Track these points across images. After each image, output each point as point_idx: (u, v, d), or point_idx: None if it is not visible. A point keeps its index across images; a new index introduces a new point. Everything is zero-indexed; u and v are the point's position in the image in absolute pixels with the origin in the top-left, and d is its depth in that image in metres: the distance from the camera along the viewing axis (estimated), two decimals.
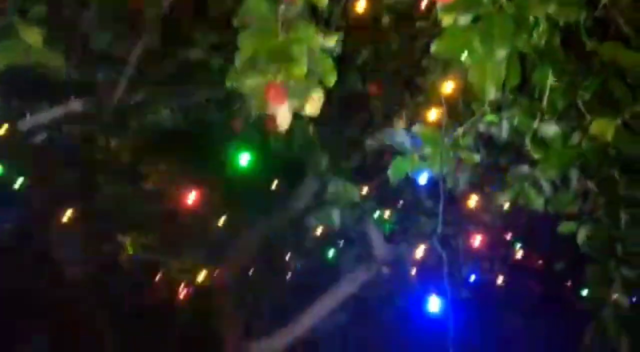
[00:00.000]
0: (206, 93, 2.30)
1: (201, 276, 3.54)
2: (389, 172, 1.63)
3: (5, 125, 2.47)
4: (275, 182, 3.90)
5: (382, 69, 2.25)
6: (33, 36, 1.28)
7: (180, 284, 3.68)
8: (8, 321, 3.15)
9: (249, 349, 3.93)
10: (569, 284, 4.26)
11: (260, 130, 2.31)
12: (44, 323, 3.35)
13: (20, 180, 2.97)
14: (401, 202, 3.96)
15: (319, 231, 4.47)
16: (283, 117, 1.25)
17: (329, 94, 3.07)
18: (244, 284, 4.15)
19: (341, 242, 4.41)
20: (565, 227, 1.43)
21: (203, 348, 3.94)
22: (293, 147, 2.48)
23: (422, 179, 1.72)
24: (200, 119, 2.38)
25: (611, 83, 1.22)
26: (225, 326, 3.91)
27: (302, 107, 1.23)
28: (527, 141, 1.32)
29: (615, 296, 1.18)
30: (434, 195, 3.39)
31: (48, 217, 3.03)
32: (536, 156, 1.33)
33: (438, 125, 1.53)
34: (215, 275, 3.72)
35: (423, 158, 1.57)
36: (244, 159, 1.91)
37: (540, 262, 4.26)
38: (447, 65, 1.76)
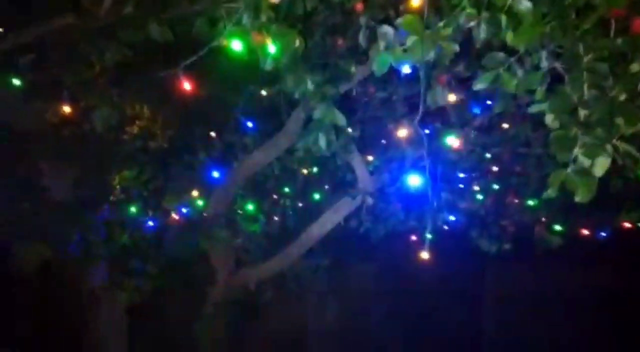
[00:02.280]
0: (191, 6, 2.32)
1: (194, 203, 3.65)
2: (373, 66, 1.70)
3: None
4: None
5: None
6: None
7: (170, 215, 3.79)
8: None
9: (239, 278, 4.11)
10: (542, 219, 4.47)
11: (248, 47, 2.33)
12: None
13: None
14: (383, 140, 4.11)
15: (304, 170, 4.65)
16: None
17: (312, 17, 3.09)
18: (233, 218, 4.28)
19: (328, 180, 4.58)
20: (535, 107, 1.54)
21: (199, 277, 4.08)
22: (280, 65, 2.52)
23: (405, 69, 1.80)
24: (187, 33, 2.40)
25: None
26: (218, 256, 4.06)
27: None
28: (501, 18, 1.41)
29: (576, 155, 1.31)
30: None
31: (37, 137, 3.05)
32: (508, 36, 1.42)
33: (420, 15, 1.61)
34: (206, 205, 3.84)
35: (406, 51, 1.65)
36: (237, 45, 1.92)
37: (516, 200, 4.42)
38: None
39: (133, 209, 3.71)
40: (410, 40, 1.61)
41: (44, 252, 2.53)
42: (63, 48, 2.47)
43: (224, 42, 2.28)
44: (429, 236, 4.37)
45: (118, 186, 4.01)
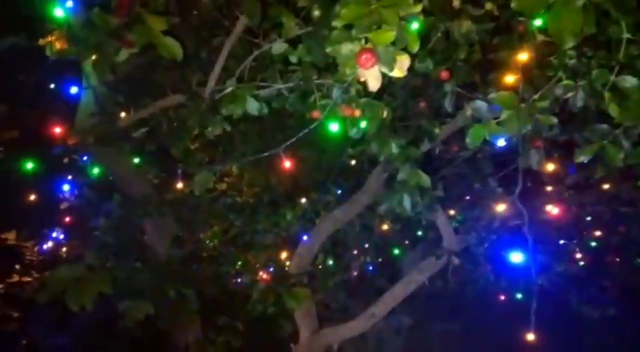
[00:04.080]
0: (285, 83, 2.52)
1: (279, 260, 3.75)
2: (467, 139, 1.72)
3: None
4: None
5: (452, 53, 2.35)
6: (157, 22, 1.53)
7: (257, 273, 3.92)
8: None
9: (321, 337, 4.08)
10: None
11: (337, 119, 2.45)
12: None
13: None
14: (467, 196, 4.02)
15: (384, 226, 4.64)
16: (374, 79, 1.40)
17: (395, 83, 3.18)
18: (314, 276, 4.33)
19: (409, 236, 4.53)
20: None
21: (283, 333, 4.11)
22: (366, 133, 2.61)
23: (500, 142, 1.80)
24: (282, 108, 2.59)
25: None
26: (301, 315, 4.09)
27: (391, 69, 1.38)
28: (605, 94, 1.38)
29: None
30: (504, 183, 3.42)
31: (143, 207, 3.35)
32: (613, 109, 1.39)
33: (514, 90, 1.62)
34: (288, 264, 3.93)
35: (500, 124, 1.66)
36: (334, 127, 2.05)
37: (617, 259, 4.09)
38: (520, 39, 1.85)
39: (222, 265, 3.89)
40: (506, 114, 1.62)
41: (147, 310, 2.72)
42: (172, 123, 2.76)
43: (315, 115, 2.44)
44: (519, 296, 4.12)
45: (209, 242, 4.25)
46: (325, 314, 4.63)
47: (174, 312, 3.18)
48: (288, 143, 2.01)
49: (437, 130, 3.17)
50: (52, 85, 3.00)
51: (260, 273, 3.90)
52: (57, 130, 2.72)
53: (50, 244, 4.15)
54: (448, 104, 2.50)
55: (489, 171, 3.41)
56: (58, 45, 2.10)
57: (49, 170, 3.77)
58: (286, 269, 3.98)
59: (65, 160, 3.64)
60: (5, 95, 3.73)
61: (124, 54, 1.68)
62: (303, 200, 4.25)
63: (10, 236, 4.12)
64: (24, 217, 4.12)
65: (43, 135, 3.05)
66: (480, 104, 1.67)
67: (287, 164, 1.97)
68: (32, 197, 3.95)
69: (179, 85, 2.77)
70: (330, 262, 4.74)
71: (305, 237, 4.01)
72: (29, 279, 4.04)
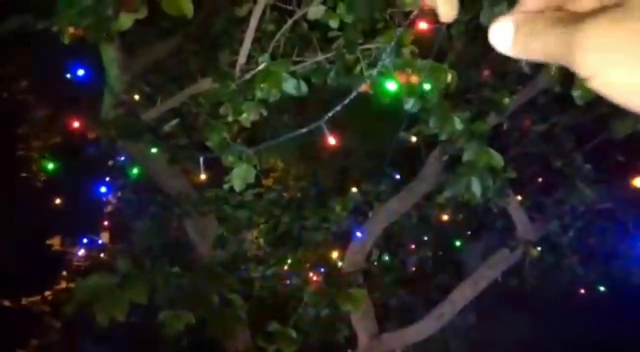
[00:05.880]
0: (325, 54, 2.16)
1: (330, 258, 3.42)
2: (574, 92, 1.28)
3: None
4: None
5: None
6: None
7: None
8: None
9: (382, 343, 3.71)
10: None
11: (387, 93, 2.08)
12: None
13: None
14: (542, 178, 3.50)
15: (444, 216, 4.20)
16: (445, 4, 1.00)
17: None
18: (369, 273, 3.98)
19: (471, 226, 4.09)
20: None
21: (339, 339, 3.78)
22: (425, 106, 2.21)
23: None
24: (322, 85, 2.23)
25: None
26: (358, 318, 3.74)
27: None
28: None
29: None
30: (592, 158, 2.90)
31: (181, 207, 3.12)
32: None
33: None
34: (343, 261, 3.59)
35: None
36: (391, 85, 1.67)
37: None
38: None
39: (269, 266, 3.61)
40: None
41: (188, 319, 2.46)
42: (205, 111, 2.47)
43: (366, 89, 2.06)
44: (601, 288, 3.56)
45: (255, 241, 3.99)
46: (384, 314, 4.27)
47: (220, 319, 2.92)
48: (328, 116, 1.64)
49: (506, 100, 2.72)
50: (68, 75, 2.79)
51: (311, 274, 3.58)
52: (76, 124, 2.50)
53: (95, 249, 4.04)
54: (526, 65, 2.05)
55: (571, 146, 2.89)
56: (71, 30, 1.85)
57: (89, 171, 3.62)
58: (339, 267, 3.65)
59: (109, 162, 3.48)
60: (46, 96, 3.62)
61: (127, 20, 1.39)
62: (353, 191, 3.89)
63: (55, 242, 4.03)
64: (68, 222, 4.03)
65: (78, 135, 2.87)
66: None
67: (332, 139, 1.60)
68: (74, 201, 3.84)
69: (210, 69, 2.48)
70: (387, 257, 4.37)
71: (357, 233, 3.65)
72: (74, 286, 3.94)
